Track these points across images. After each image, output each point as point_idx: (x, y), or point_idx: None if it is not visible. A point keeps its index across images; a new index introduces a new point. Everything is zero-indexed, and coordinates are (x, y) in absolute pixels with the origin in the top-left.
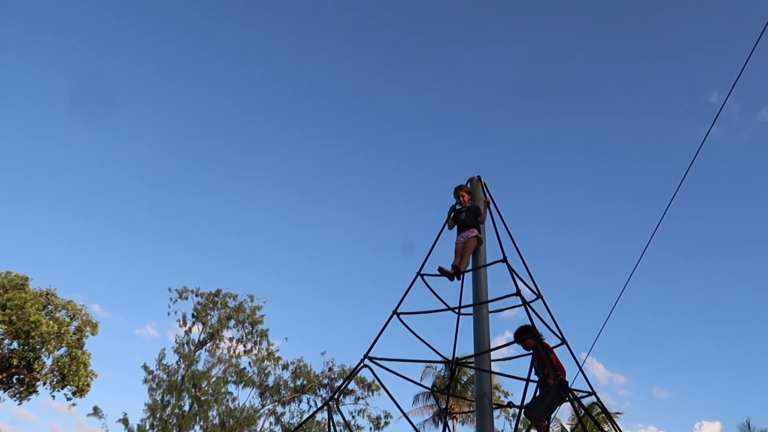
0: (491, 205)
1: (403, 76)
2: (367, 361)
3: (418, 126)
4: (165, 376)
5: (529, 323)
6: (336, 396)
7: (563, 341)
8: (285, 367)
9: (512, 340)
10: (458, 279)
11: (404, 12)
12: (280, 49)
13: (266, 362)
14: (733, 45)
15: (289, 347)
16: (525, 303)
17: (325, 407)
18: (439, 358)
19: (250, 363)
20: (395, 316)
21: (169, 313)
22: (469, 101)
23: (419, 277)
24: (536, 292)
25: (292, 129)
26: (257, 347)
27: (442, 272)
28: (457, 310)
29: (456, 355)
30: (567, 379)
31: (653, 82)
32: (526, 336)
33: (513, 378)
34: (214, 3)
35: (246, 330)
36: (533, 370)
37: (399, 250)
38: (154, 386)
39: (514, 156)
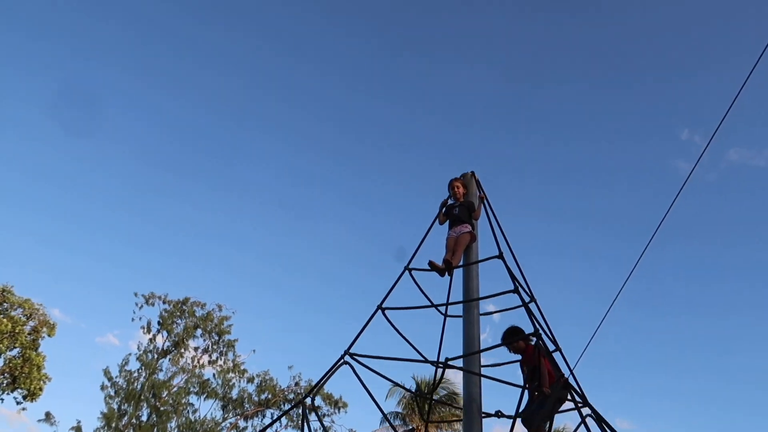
0: (485, 202)
1: (386, 91)
2: (347, 358)
3: (398, 140)
4: (125, 384)
5: (514, 325)
6: (311, 394)
7: (557, 347)
8: (250, 380)
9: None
10: (449, 275)
11: (391, 31)
12: (262, 57)
13: (231, 374)
14: (705, 86)
15: (257, 360)
16: (524, 303)
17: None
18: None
19: (214, 374)
20: (380, 311)
21: (133, 319)
22: (448, 122)
23: (407, 271)
24: (530, 294)
25: (269, 137)
26: (223, 358)
27: (433, 267)
28: (444, 309)
29: (442, 359)
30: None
31: (626, 114)
32: (519, 337)
33: (507, 384)
34: (202, 11)
35: (212, 340)
36: (525, 376)
37: (379, 265)
38: (112, 393)
39: (489, 175)
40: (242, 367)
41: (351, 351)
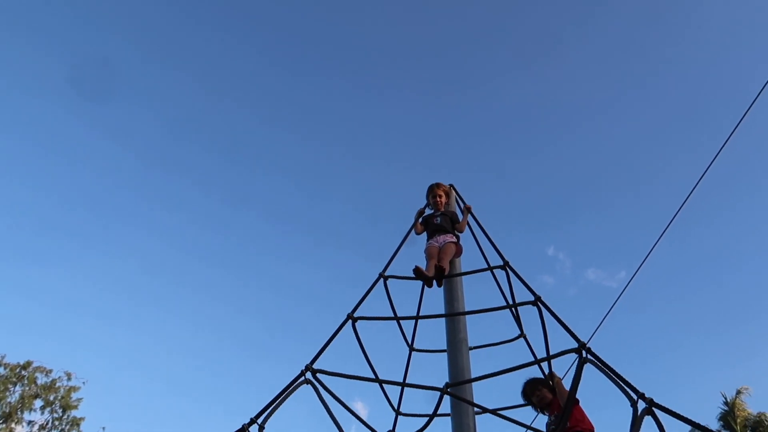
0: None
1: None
2: (309, 375)
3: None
4: None
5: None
6: (260, 419)
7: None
8: None
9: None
10: (439, 285)
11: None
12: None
13: None
14: (569, 211)
15: None
16: (551, 311)
17: None
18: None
19: None
20: (350, 321)
21: None
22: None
23: (381, 279)
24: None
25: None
26: None
27: (419, 274)
28: (410, 338)
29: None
30: None
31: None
32: (543, 386)
33: (529, 429)
34: None
35: (55, 415)
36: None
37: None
38: None
39: None
40: None
41: (314, 366)
